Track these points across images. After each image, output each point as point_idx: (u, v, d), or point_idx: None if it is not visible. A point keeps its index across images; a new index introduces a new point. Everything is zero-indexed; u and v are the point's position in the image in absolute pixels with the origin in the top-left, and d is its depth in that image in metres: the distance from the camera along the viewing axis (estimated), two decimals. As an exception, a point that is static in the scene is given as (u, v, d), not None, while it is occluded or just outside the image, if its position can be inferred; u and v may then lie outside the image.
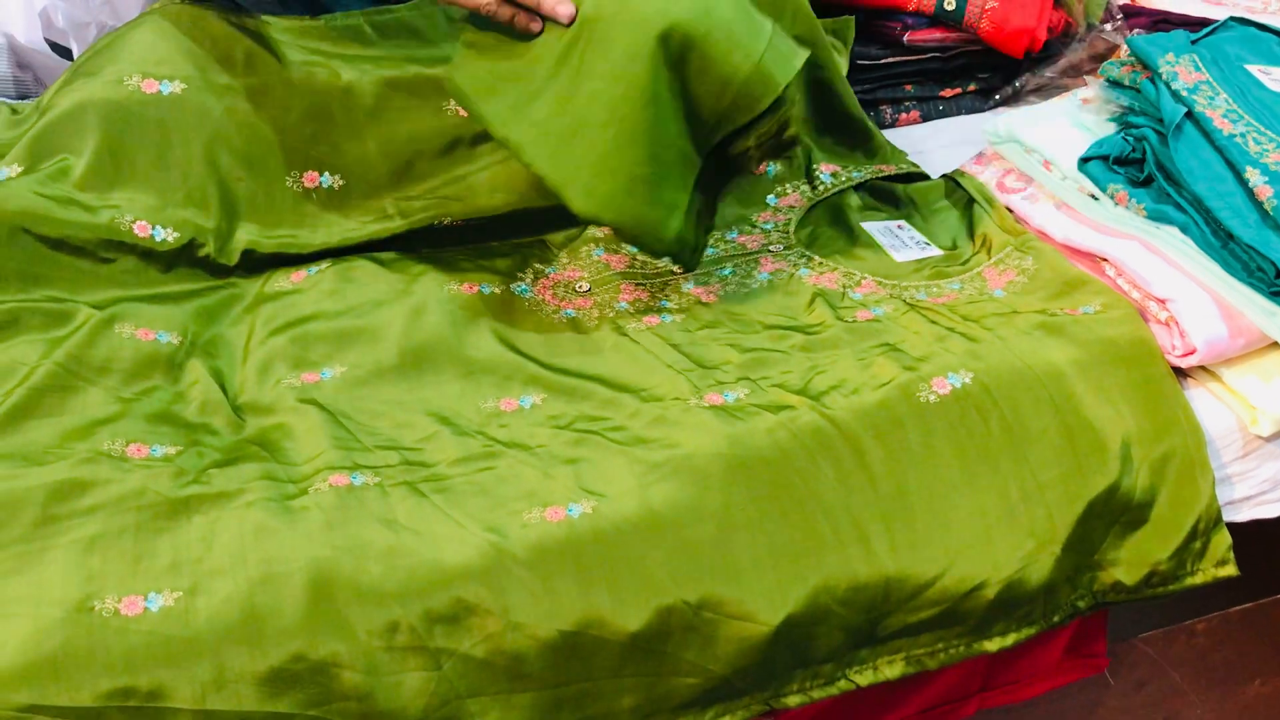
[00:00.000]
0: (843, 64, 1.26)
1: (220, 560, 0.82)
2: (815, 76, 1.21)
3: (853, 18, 1.30)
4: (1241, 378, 1.00)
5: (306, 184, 1.12)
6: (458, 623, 0.82)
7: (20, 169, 1.06)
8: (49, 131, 1.07)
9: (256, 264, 1.10)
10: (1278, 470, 1.01)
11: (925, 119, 1.41)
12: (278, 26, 1.14)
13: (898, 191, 1.21)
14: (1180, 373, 1.02)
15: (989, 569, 0.90)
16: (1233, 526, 0.99)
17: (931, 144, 1.36)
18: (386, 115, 1.12)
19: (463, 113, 1.12)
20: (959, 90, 1.41)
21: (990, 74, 1.42)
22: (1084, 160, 1.11)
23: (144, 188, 1.07)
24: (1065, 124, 1.16)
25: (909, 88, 1.41)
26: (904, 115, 1.41)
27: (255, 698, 0.78)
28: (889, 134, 1.36)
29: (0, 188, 1.05)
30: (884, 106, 1.41)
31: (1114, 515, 0.95)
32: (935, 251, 1.14)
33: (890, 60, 1.39)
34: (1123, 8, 1.35)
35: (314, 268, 1.09)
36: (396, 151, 1.13)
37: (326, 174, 1.12)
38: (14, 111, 1.17)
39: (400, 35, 1.16)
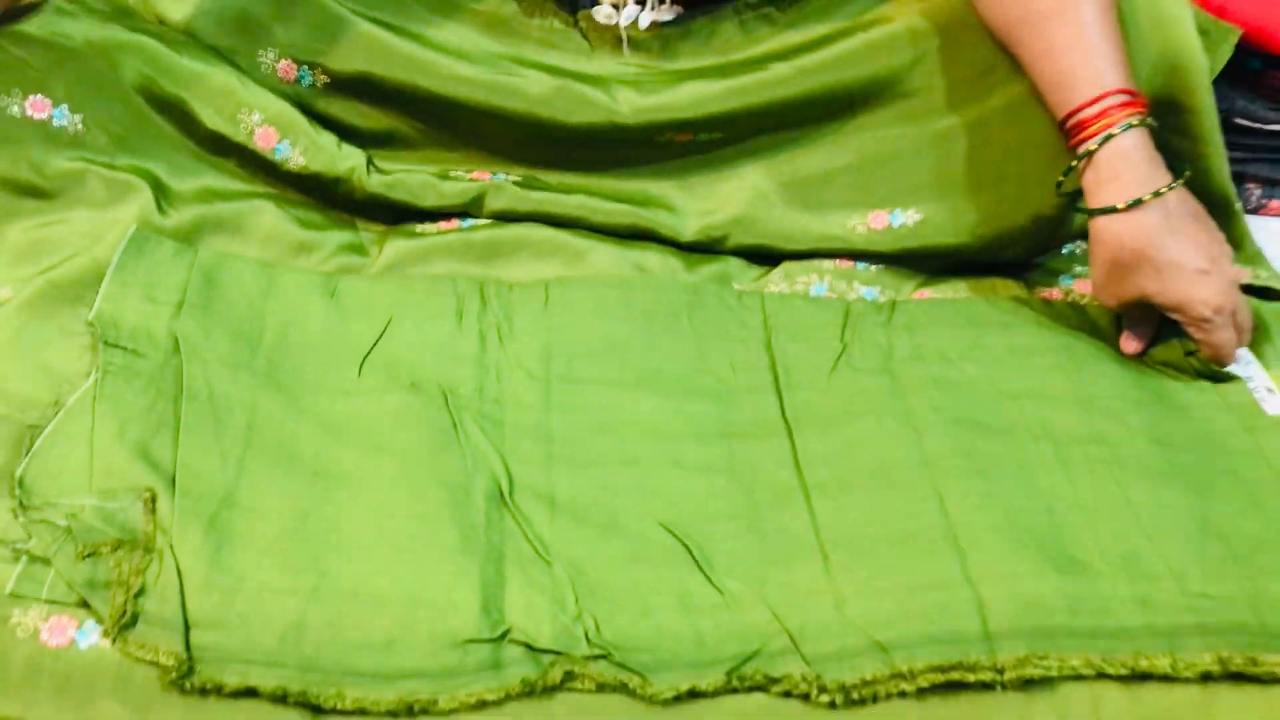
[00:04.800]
0: (1208, 100, 0.91)
1: None
2: (1169, 143, 0.86)
3: (1235, 29, 0.95)
4: None
5: None
6: None
7: None
8: None
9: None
10: None
11: (1304, 215, 1.07)
12: None
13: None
14: None
15: None
16: None
17: (1303, 251, 1.01)
18: None
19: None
20: (1362, 188, 1.06)
21: None
22: None
23: None
24: None
25: (1292, 170, 1.07)
26: (1275, 203, 1.07)
27: None
28: (1249, 221, 1.02)
29: None
30: (1251, 184, 1.07)
31: None
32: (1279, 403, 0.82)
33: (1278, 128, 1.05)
34: None
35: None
36: None
37: None
38: None
39: None
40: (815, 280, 0.88)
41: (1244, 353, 0.85)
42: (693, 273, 0.88)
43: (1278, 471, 0.74)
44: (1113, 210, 0.77)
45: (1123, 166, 0.77)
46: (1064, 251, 0.93)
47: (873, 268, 0.90)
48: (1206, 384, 0.81)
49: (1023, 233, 0.88)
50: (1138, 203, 0.76)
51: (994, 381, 0.79)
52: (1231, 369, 0.82)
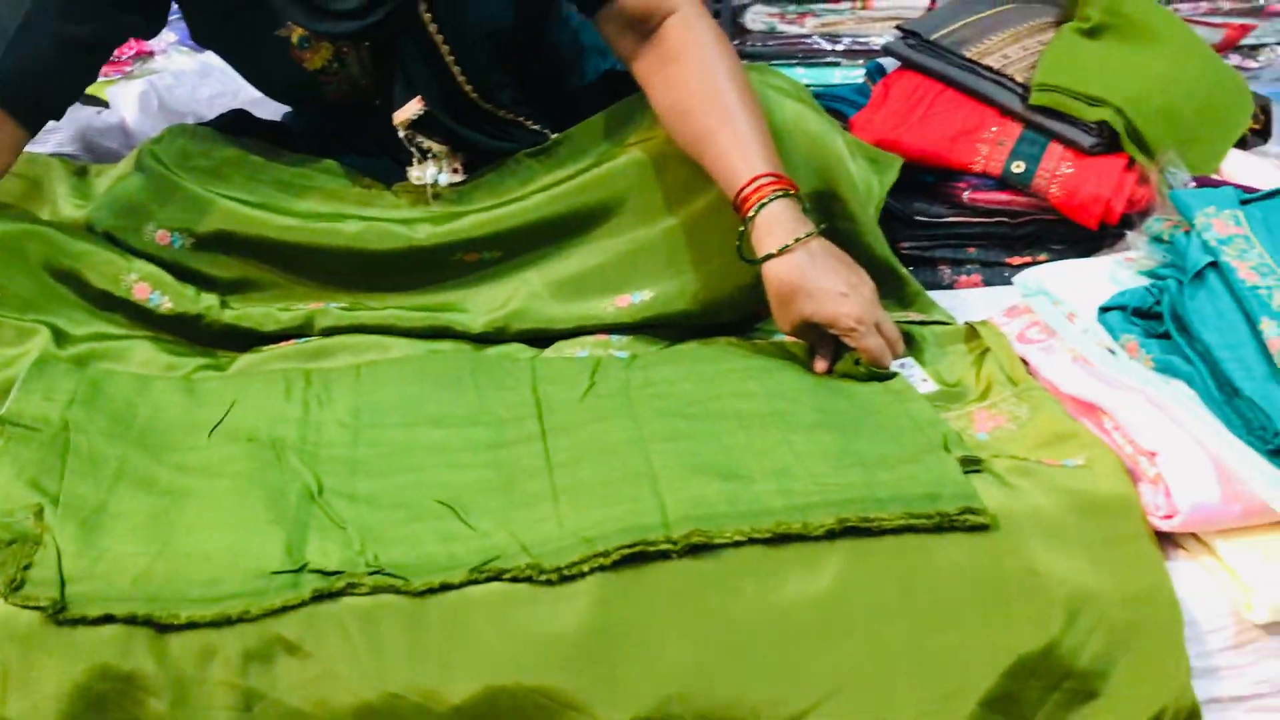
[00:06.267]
0: (874, 199, 1.20)
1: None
2: (835, 226, 1.15)
3: (900, 158, 1.26)
4: (1239, 553, 0.86)
5: None
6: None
7: None
8: None
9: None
10: (1280, 672, 0.85)
11: (988, 284, 1.34)
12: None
13: (913, 334, 1.13)
14: (1172, 542, 0.89)
15: (879, 709, 0.79)
16: (1221, 731, 0.83)
17: (988, 310, 1.27)
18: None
19: None
20: (1029, 260, 1.33)
21: (1066, 246, 1.33)
22: (1104, 310, 1.02)
23: None
24: (1099, 278, 1.08)
25: (972, 250, 1.34)
26: (964, 278, 1.34)
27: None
28: (945, 294, 1.29)
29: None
30: (943, 267, 1.34)
31: (1053, 679, 0.82)
32: (932, 387, 1.06)
33: (952, 220, 1.33)
34: (1198, 179, 1.26)
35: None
36: None
37: None
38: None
39: None
40: (579, 349, 1.13)
41: (908, 360, 1.10)
42: (480, 353, 1.13)
43: (916, 421, 0.97)
44: (770, 256, 1.03)
45: (774, 224, 1.04)
46: None
47: (624, 337, 1.15)
48: (874, 381, 1.05)
49: (731, 299, 1.15)
50: (787, 248, 1.03)
51: (703, 390, 1.02)
52: (894, 368, 1.06)
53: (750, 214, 1.04)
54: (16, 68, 1.06)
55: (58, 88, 1.11)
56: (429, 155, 1.21)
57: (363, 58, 1.17)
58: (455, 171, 1.22)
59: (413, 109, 1.16)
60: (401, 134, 1.19)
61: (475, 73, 1.17)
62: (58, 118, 1.14)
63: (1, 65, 1.05)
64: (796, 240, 1.02)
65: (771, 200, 1.04)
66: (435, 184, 1.21)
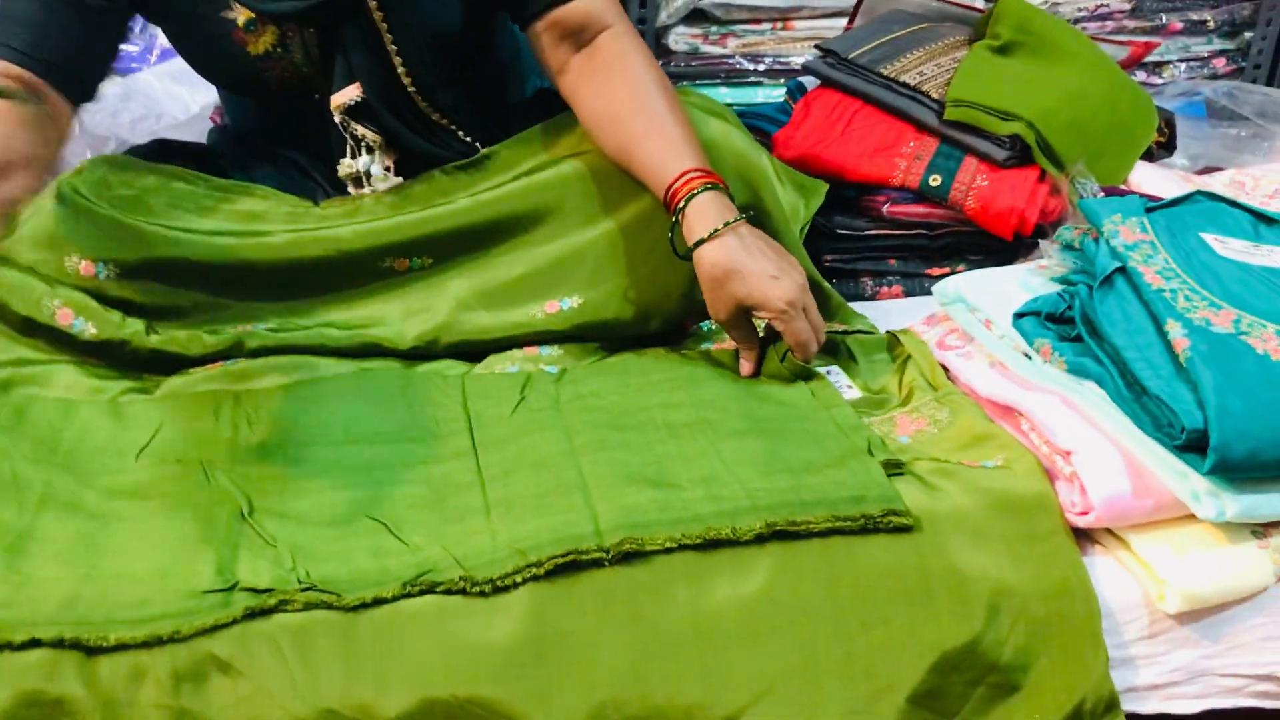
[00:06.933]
0: (799, 221, 1.23)
1: None
2: None
3: (824, 183, 1.29)
4: (1151, 546, 0.89)
5: None
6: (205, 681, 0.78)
7: None
8: None
9: None
10: (1193, 660, 0.88)
11: (909, 295, 1.37)
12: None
13: (838, 342, 1.16)
14: (1088, 538, 0.92)
15: (809, 708, 0.81)
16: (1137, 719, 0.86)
17: (908, 319, 1.30)
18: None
19: None
20: (948, 270, 1.36)
21: (983, 256, 1.37)
22: (1018, 315, 1.05)
23: None
24: (1013, 285, 1.11)
25: (892, 262, 1.37)
26: (885, 289, 1.37)
27: None
28: (868, 305, 1.32)
29: None
30: (865, 278, 1.37)
31: (977, 673, 0.84)
32: (856, 394, 1.08)
33: (872, 233, 1.36)
34: (1107, 190, 1.30)
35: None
36: None
37: None
38: None
39: None
40: (509, 364, 1.14)
41: (833, 368, 1.12)
42: (411, 371, 1.13)
43: (840, 426, 0.99)
44: (702, 241, 1.05)
45: (704, 212, 1.05)
46: (705, 328, 1.21)
47: (555, 350, 1.16)
48: (800, 384, 1.07)
49: (660, 306, 1.16)
50: (717, 232, 1.04)
51: (632, 402, 1.04)
52: (820, 373, 1.08)
53: (680, 205, 1.06)
54: (54, 47, 1.06)
55: (91, 58, 1.12)
56: (363, 145, 1.21)
57: (307, 43, 1.17)
58: (387, 169, 1.22)
59: (350, 94, 1.17)
60: (337, 119, 1.19)
61: (416, 67, 1.18)
62: (92, 96, 1.14)
63: (42, 46, 1.06)
64: (726, 224, 1.04)
65: (701, 191, 1.06)
66: (368, 173, 1.21)
